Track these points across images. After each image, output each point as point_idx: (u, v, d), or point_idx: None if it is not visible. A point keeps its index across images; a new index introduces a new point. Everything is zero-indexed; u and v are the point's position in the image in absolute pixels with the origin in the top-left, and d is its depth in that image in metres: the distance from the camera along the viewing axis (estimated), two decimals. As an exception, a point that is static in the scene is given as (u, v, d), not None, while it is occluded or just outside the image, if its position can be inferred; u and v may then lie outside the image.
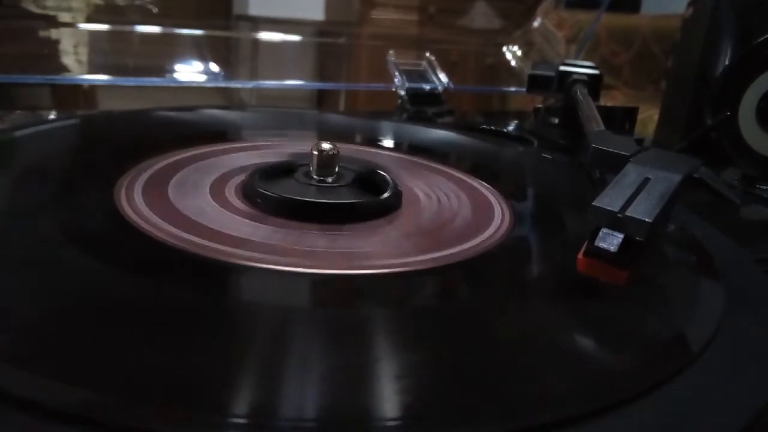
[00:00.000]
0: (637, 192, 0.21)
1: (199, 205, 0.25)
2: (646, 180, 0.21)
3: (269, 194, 0.25)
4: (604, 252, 0.19)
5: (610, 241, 0.19)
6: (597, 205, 0.20)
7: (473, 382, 0.15)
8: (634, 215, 0.19)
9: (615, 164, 0.23)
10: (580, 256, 0.20)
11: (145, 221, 0.23)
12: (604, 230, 0.19)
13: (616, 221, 0.19)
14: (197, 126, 0.39)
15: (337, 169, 0.27)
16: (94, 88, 0.73)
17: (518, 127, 0.53)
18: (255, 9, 1.40)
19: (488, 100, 1.01)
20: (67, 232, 0.21)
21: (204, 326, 0.16)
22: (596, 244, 0.19)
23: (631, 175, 0.22)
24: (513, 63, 0.75)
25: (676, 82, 0.55)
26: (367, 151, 0.37)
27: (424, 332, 0.18)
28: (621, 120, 0.52)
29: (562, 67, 0.50)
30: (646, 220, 0.19)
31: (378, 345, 0.17)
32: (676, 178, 0.21)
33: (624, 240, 0.19)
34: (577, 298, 0.21)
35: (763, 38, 0.41)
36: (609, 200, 0.20)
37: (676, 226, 0.27)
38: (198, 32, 0.60)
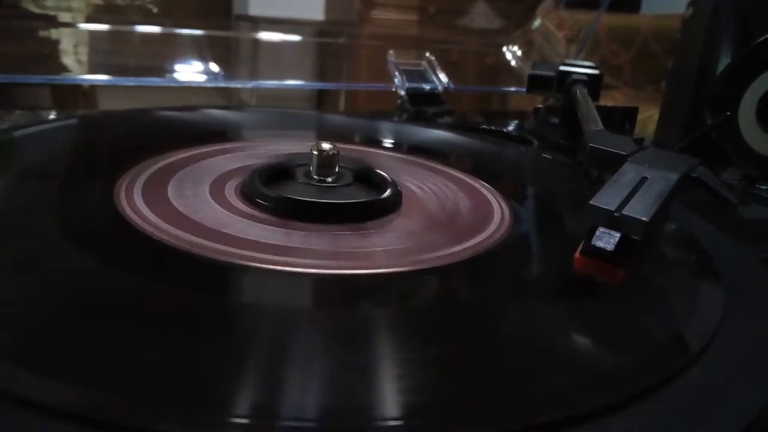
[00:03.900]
0: (634, 191, 0.21)
1: (199, 205, 0.25)
2: (644, 179, 0.21)
3: (269, 194, 0.25)
4: (601, 251, 0.19)
5: (607, 239, 0.19)
6: (594, 203, 0.20)
7: (473, 382, 0.15)
8: (630, 214, 0.19)
9: (613, 163, 0.23)
10: (577, 254, 0.20)
11: (144, 221, 0.23)
12: (601, 229, 0.19)
13: (612, 220, 0.19)
14: (197, 126, 0.39)
15: (337, 169, 0.27)
16: (94, 88, 0.73)
17: (518, 127, 0.53)
18: (255, 9, 1.40)
19: (488, 100, 1.01)
20: (66, 232, 0.21)
21: (204, 326, 0.16)
22: (593, 242, 0.19)
23: (628, 174, 0.22)
24: (513, 63, 0.75)
25: (676, 82, 0.55)
26: (367, 151, 0.37)
27: (424, 332, 0.18)
28: (621, 120, 0.52)
29: (562, 67, 0.50)
30: (643, 218, 0.19)
31: (378, 345, 0.17)
32: (674, 177, 0.22)
33: (621, 239, 0.19)
34: (577, 298, 0.21)
35: (763, 38, 0.41)
36: (606, 199, 0.20)
37: (675, 226, 0.27)
38: (198, 32, 0.60)
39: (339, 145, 0.27)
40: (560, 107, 0.51)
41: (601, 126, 0.34)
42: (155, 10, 0.59)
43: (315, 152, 0.26)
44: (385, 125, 0.44)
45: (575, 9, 1.01)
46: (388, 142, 0.41)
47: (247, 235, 0.22)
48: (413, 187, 0.30)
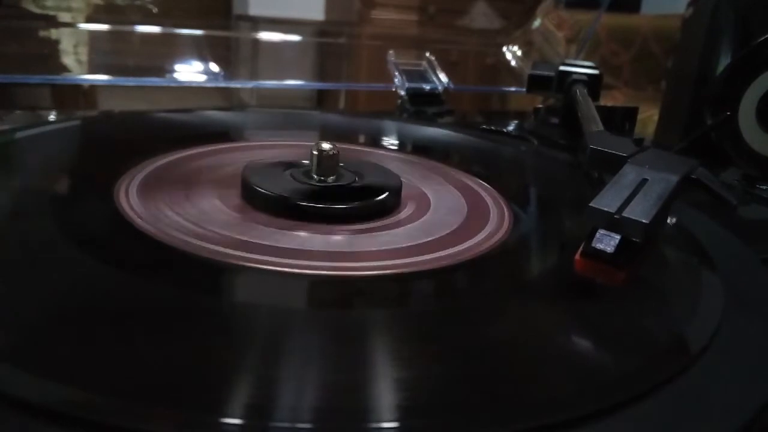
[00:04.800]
0: (635, 193, 0.21)
1: (199, 206, 0.25)
2: (644, 181, 0.21)
3: (269, 194, 0.25)
4: (602, 253, 0.19)
5: (607, 242, 0.19)
6: (594, 206, 0.20)
7: (473, 383, 0.15)
8: (630, 216, 0.19)
9: (613, 165, 0.23)
10: (577, 256, 0.20)
11: (144, 221, 0.23)
12: (602, 231, 0.19)
13: (613, 222, 0.19)
14: (197, 126, 0.39)
15: (337, 169, 0.27)
16: (94, 88, 0.73)
17: (518, 127, 0.53)
18: (255, 9, 1.40)
19: (488, 100, 1.01)
20: (66, 232, 0.21)
21: (202, 327, 0.16)
22: (593, 245, 0.19)
23: (628, 176, 0.22)
24: (513, 63, 0.75)
25: (676, 82, 0.55)
26: (367, 151, 0.37)
27: (422, 333, 0.18)
28: (621, 120, 0.52)
29: (562, 67, 0.50)
30: (643, 221, 0.19)
31: (377, 346, 0.17)
32: (674, 179, 0.22)
33: (621, 241, 0.19)
34: (577, 300, 0.21)
35: (763, 38, 0.41)
36: (606, 201, 0.20)
37: (677, 226, 0.27)
38: (198, 32, 0.60)
39: (339, 145, 0.27)
40: (560, 107, 0.51)
41: (601, 126, 0.34)
42: (155, 10, 0.59)
43: (315, 152, 0.26)
44: (385, 125, 0.44)
45: (575, 9, 1.01)
46: (388, 142, 0.41)
47: (246, 235, 0.22)
48: (413, 187, 0.30)
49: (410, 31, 1.11)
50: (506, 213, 0.28)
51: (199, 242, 0.21)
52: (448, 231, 0.25)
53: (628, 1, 1.68)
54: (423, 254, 0.23)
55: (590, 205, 0.20)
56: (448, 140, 0.41)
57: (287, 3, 1.05)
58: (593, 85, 0.48)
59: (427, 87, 0.57)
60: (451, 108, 0.56)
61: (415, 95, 0.55)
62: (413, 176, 0.32)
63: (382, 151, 0.38)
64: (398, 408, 0.14)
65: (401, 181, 0.28)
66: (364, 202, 0.26)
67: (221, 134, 0.37)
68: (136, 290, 0.18)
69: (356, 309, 0.20)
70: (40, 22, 0.55)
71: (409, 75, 0.57)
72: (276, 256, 0.21)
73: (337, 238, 0.23)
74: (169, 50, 0.58)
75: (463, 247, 0.24)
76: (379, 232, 0.24)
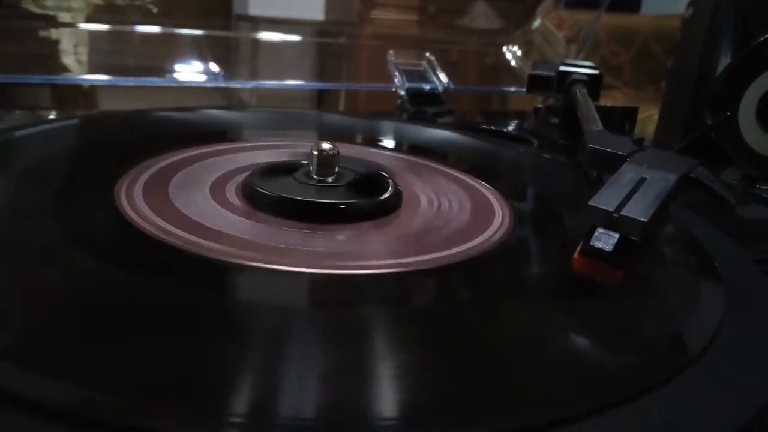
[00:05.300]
0: (633, 191, 0.21)
1: (200, 205, 0.25)
2: (642, 180, 0.21)
3: (269, 194, 0.25)
4: (600, 251, 0.19)
5: (606, 240, 0.19)
6: (593, 204, 0.20)
7: (472, 382, 0.15)
8: (629, 214, 0.19)
9: (612, 164, 0.24)
10: (576, 255, 0.20)
11: (145, 221, 0.23)
12: (600, 229, 0.19)
13: (611, 220, 0.19)
14: (197, 126, 0.39)
15: (337, 169, 0.27)
16: (94, 88, 0.73)
17: (518, 127, 0.53)
18: (255, 9, 1.40)
19: (488, 100, 1.01)
20: (67, 232, 0.21)
21: (203, 326, 0.16)
22: (592, 243, 0.19)
23: (627, 174, 0.22)
24: (513, 63, 0.75)
25: (676, 82, 0.55)
26: (367, 151, 0.37)
27: (423, 332, 0.18)
28: (621, 120, 0.52)
29: (562, 67, 0.50)
30: (642, 219, 0.19)
31: (377, 345, 0.17)
32: (672, 177, 0.22)
33: (620, 239, 0.19)
34: (576, 298, 0.21)
35: (763, 38, 0.41)
36: (605, 199, 0.20)
37: (676, 226, 0.27)
38: (198, 32, 0.60)
39: (339, 145, 0.27)
40: (560, 107, 0.51)
41: (600, 126, 0.34)
42: (155, 10, 0.59)
43: (315, 152, 0.26)
44: (385, 125, 0.44)
45: (575, 9, 1.01)
46: (388, 142, 0.41)
47: (247, 235, 0.23)
48: (413, 187, 0.30)
49: (410, 31, 1.11)
50: (507, 213, 0.28)
51: (199, 242, 0.21)
52: (448, 230, 0.25)
53: (628, 1, 1.68)
54: (423, 254, 0.23)
55: (589, 203, 0.20)
56: (448, 140, 0.41)
57: (287, 3, 1.05)
58: (593, 85, 0.48)
59: (427, 87, 0.57)
60: (451, 108, 0.56)
61: (415, 95, 0.55)
62: (414, 176, 0.32)
63: (382, 151, 0.38)
64: (398, 407, 0.14)
65: (402, 181, 0.28)
66: (365, 201, 0.26)
67: (221, 134, 0.37)
68: (136, 290, 0.18)
69: (357, 308, 0.20)
70: (40, 22, 0.55)
71: (409, 75, 0.57)
72: (276, 256, 0.21)
73: (338, 237, 0.23)
74: (169, 50, 0.58)
75: (463, 247, 0.24)
76: (379, 232, 0.24)
